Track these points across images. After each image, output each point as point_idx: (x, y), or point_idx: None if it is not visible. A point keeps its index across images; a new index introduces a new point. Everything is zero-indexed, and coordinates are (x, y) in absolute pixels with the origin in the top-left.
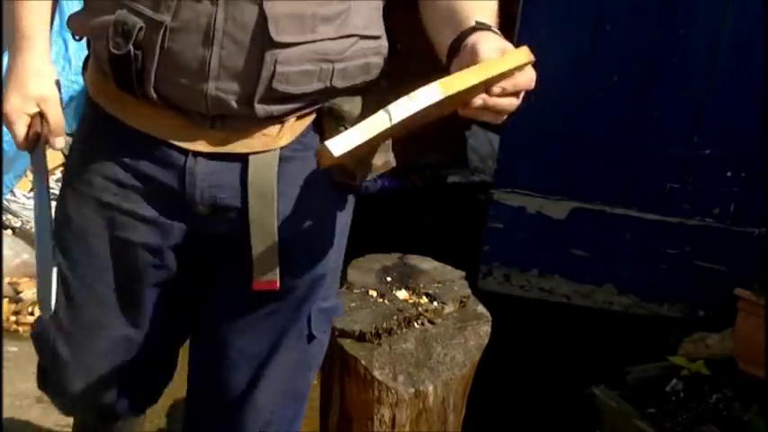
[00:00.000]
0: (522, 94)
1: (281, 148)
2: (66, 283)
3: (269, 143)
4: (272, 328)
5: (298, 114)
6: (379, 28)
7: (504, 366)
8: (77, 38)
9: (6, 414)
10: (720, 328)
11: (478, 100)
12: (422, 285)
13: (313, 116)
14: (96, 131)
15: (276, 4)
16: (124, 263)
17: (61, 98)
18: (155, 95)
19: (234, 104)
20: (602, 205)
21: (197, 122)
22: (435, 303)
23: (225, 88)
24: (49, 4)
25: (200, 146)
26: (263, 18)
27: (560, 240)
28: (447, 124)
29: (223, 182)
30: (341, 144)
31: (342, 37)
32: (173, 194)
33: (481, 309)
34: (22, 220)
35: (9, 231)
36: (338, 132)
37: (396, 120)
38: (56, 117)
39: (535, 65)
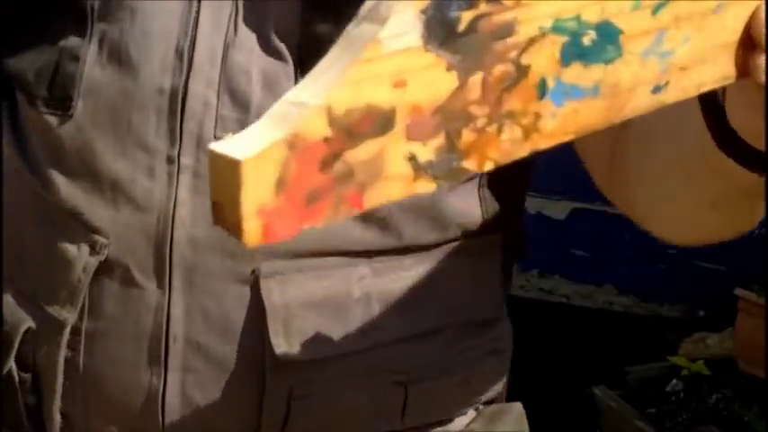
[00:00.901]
0: None
1: None
2: None
3: None
4: None
5: None
6: (495, 301)
7: None
8: None
9: None
10: (720, 328)
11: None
12: None
13: None
14: None
15: (285, 282)
16: None
17: None
18: None
19: None
20: (602, 205)
21: None
22: None
23: None
24: None
25: None
26: (258, 310)
27: (560, 240)
28: None
29: None
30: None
31: (422, 334)
32: None
33: None
34: None
35: None
36: None
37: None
38: None
39: None
